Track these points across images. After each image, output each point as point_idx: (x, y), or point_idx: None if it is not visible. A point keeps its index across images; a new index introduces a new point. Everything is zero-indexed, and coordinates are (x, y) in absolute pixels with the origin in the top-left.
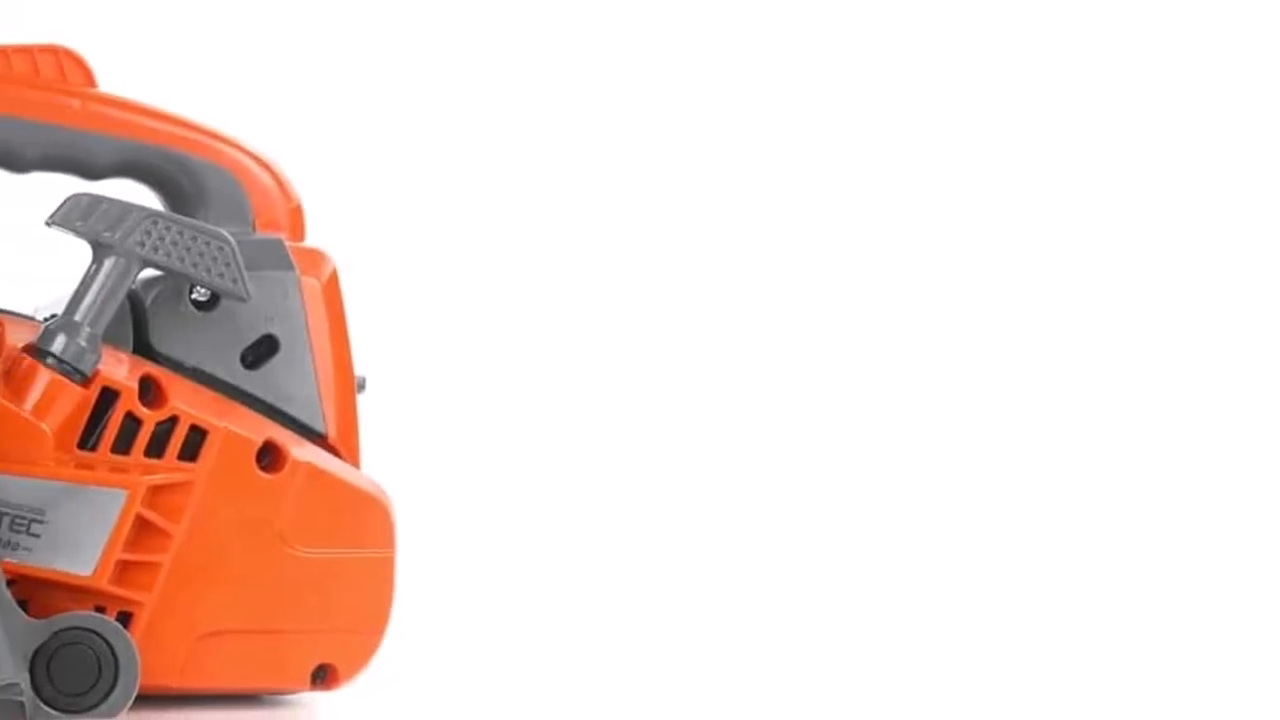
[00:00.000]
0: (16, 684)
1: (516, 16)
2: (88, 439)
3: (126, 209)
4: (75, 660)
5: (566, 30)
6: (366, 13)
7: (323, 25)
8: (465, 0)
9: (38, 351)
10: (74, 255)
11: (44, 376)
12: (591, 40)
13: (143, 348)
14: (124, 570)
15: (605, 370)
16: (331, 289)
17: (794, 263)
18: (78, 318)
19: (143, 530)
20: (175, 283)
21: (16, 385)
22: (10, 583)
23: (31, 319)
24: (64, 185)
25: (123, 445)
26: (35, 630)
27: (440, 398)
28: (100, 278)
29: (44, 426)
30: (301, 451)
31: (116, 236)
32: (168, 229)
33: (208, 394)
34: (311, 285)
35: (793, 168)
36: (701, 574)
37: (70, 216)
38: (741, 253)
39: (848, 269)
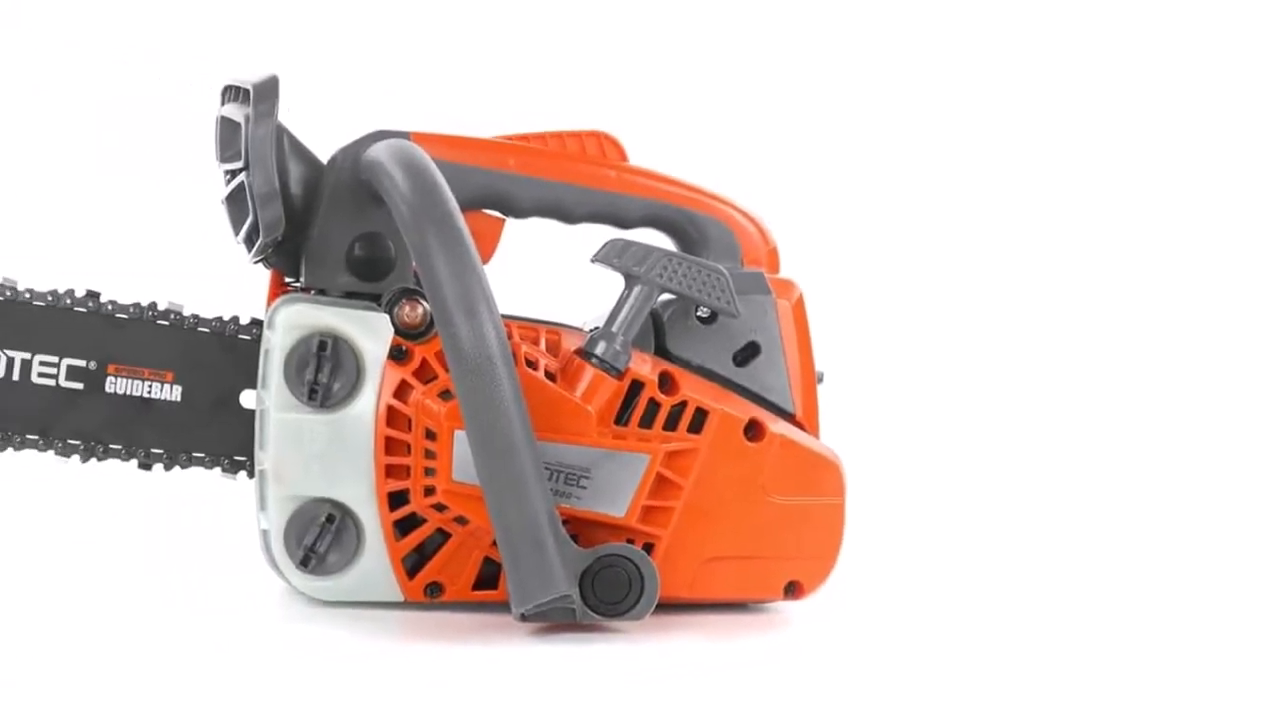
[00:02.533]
0: (569, 595)
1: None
2: (621, 417)
3: (649, 250)
4: (612, 578)
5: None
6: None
7: (786, 115)
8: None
9: (584, 354)
10: (609, 284)
11: (589, 372)
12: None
13: (661, 351)
14: (648, 513)
15: (1002, 365)
16: (799, 308)
17: None
18: (614, 329)
19: (661, 484)
20: (684, 304)
21: (569, 378)
22: (565, 522)
23: (580, 330)
24: (600, 234)
25: (646, 422)
26: (583, 557)
27: (880, 386)
28: (630, 300)
29: (589, 409)
30: (777, 426)
31: (642, 270)
32: (679, 264)
33: (708, 385)
34: (784, 306)
35: None
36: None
37: (609, 256)
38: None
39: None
